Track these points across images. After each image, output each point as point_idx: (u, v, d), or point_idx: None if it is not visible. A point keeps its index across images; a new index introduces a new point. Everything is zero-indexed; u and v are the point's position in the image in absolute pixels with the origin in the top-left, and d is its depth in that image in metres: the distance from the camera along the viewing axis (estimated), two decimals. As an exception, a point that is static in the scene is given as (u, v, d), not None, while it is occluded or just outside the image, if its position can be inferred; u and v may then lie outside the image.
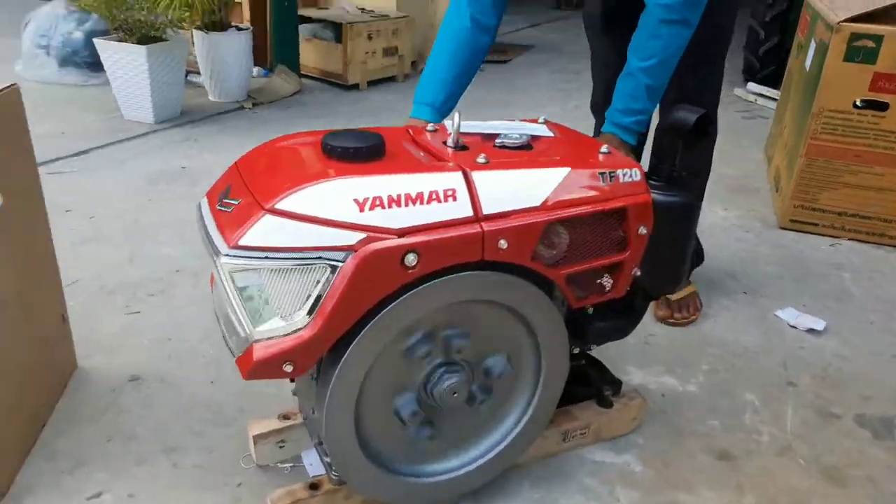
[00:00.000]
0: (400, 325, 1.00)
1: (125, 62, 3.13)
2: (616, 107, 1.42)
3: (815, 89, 2.34)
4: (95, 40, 3.22)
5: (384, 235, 0.93)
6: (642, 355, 1.72)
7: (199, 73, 3.78)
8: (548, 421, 1.26)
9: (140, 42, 3.11)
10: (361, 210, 0.92)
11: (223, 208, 0.99)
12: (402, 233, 0.94)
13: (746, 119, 3.96)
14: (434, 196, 0.97)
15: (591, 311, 1.24)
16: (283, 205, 0.92)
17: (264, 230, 0.91)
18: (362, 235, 0.92)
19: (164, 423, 1.42)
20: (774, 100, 3.92)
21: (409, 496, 1.17)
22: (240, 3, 4.06)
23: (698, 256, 1.99)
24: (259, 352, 0.94)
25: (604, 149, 1.16)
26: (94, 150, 2.95)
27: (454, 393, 1.10)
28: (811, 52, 2.59)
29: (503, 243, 1.01)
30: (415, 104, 1.44)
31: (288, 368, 0.95)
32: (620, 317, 1.28)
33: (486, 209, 1.00)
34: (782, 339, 1.82)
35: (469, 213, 0.99)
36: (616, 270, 1.16)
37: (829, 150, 2.36)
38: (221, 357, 1.62)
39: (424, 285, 0.98)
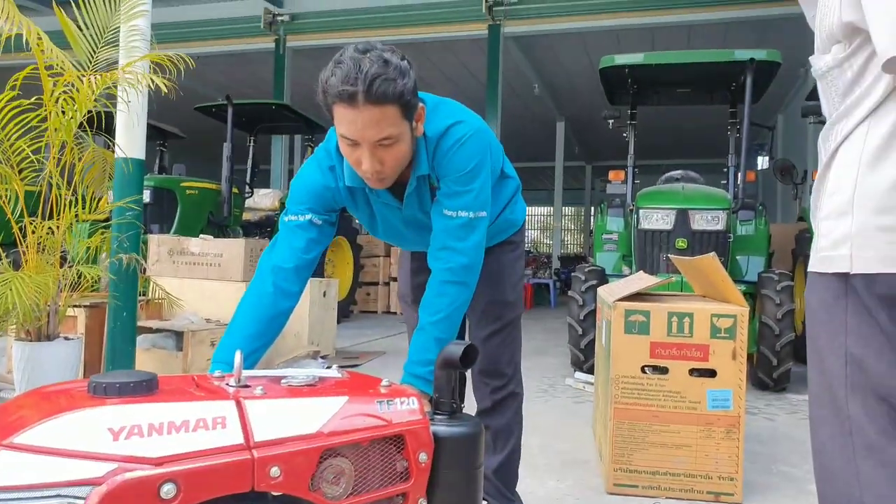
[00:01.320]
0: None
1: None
2: (412, 358, 1.56)
3: (610, 360, 2.64)
4: None
5: (138, 465, 0.90)
6: None
7: (12, 386, 3.55)
8: None
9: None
10: (115, 439, 0.91)
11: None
12: (159, 462, 0.92)
13: (577, 403, 4.25)
14: (201, 424, 0.99)
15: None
16: (21, 438, 0.88)
17: (-4, 467, 0.86)
18: (112, 466, 0.88)
19: None
20: (596, 384, 4.30)
21: None
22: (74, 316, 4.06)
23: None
24: None
25: (385, 382, 1.26)
26: None
27: None
28: (604, 331, 2.97)
29: (276, 471, 1.01)
30: (212, 363, 1.49)
31: None
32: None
33: (258, 436, 1.02)
34: None
35: (239, 440, 1.00)
36: (403, 501, 1.17)
37: (631, 412, 2.58)
38: None
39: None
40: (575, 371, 5.00)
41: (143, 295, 4.42)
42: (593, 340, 4.77)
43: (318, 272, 6.66)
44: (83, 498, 0.86)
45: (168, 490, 0.91)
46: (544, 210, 25.63)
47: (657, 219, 4.73)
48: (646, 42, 10.05)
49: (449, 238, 1.61)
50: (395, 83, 1.39)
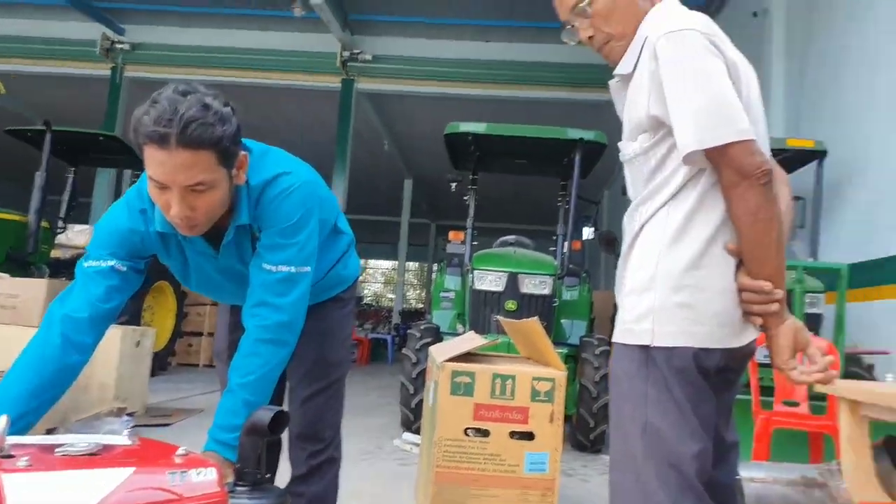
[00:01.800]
0: None
1: None
2: (217, 423, 1.45)
3: (436, 421, 2.65)
4: None
5: None
6: None
7: None
8: None
9: None
10: None
11: None
12: None
13: (403, 466, 4.20)
14: (-59, 504, 0.84)
15: None
16: None
17: None
18: None
19: None
20: (425, 444, 4.29)
21: None
22: None
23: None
24: None
25: (181, 451, 1.15)
26: None
27: None
28: (431, 391, 2.98)
29: (33, 558, 0.88)
30: (-23, 423, 1.30)
31: None
32: None
33: (16, 516, 0.89)
34: None
35: (-11, 522, 0.87)
36: (189, 585, 1.06)
37: (452, 476, 2.58)
38: None
39: None
40: (403, 432, 4.96)
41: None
42: (420, 401, 4.79)
43: (135, 320, 6.15)
44: None
45: None
46: (388, 264, 25.83)
47: (490, 280, 4.92)
48: (491, 111, 10.61)
49: (267, 293, 1.54)
50: (213, 128, 1.34)
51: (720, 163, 1.21)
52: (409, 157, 13.75)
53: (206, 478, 1.12)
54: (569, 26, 1.43)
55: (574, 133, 5.25)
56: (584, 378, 4.65)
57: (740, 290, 1.24)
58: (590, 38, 1.42)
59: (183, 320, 7.82)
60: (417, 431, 4.78)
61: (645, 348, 1.25)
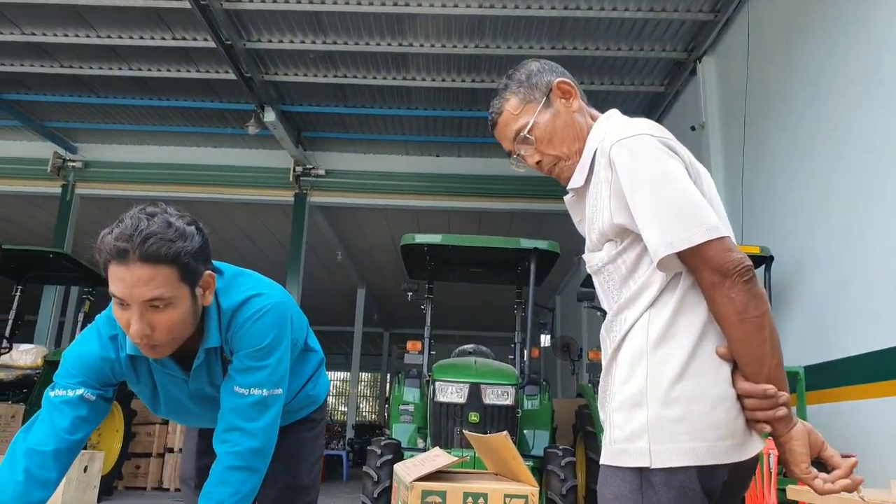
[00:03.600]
0: None
1: None
2: (187, 561, 1.37)
3: (405, 545, 2.53)
4: None
5: None
6: None
7: None
8: None
9: None
10: None
11: None
12: None
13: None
14: None
15: None
16: None
17: None
18: None
19: None
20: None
21: None
22: None
23: None
24: None
25: None
26: None
27: None
28: (399, 513, 2.87)
29: None
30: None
31: None
32: None
33: None
34: None
35: None
36: None
37: None
38: None
39: None
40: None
41: None
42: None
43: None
44: None
45: None
46: (341, 375, 25.26)
47: (452, 392, 4.86)
48: (443, 222, 10.88)
49: (238, 418, 1.51)
50: (173, 244, 1.37)
51: (697, 265, 1.16)
52: (362, 266, 13.82)
53: None
54: (515, 155, 1.43)
55: (528, 243, 5.40)
56: (550, 491, 4.55)
57: (741, 396, 1.15)
58: (538, 163, 1.42)
59: (131, 440, 7.41)
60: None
61: (639, 470, 1.13)
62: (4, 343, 7.00)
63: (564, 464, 4.59)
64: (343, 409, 23.78)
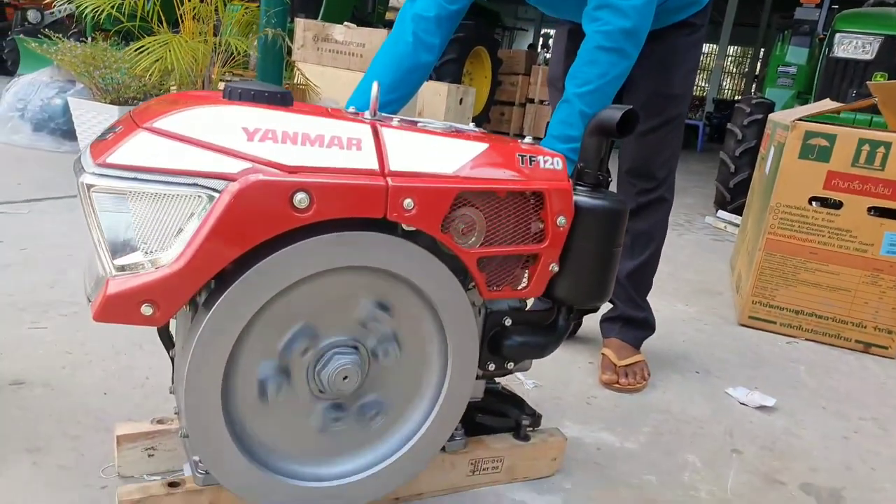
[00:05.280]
0: (286, 278, 0.90)
1: (96, 121, 3.17)
2: (551, 133, 1.40)
3: (773, 187, 2.37)
4: (69, 97, 3.28)
5: (272, 169, 0.85)
6: (581, 412, 1.59)
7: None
8: (454, 423, 1.11)
9: (113, 103, 3.17)
10: (250, 139, 0.85)
11: (101, 138, 0.92)
12: (293, 170, 0.86)
13: (715, 241, 4.00)
14: (336, 141, 0.91)
15: (508, 322, 1.16)
16: (161, 123, 0.85)
17: (136, 148, 0.83)
18: (246, 165, 0.84)
19: (36, 425, 1.26)
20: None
21: (289, 501, 1.01)
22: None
23: (649, 327, 1.90)
24: (113, 286, 0.81)
25: (528, 138, 1.13)
26: (46, 200, 2.91)
27: (345, 378, 0.98)
28: (770, 157, 2.65)
29: (409, 203, 0.93)
30: (346, 105, 1.42)
31: (147, 311, 0.82)
32: (540, 333, 1.19)
33: (394, 165, 0.94)
34: (730, 412, 1.70)
35: (374, 165, 0.93)
36: (533, 264, 1.09)
37: (785, 245, 2.34)
38: (124, 373, 1.49)
39: (319, 236, 0.90)
40: (717, 210, 4.67)
41: (287, 81, 4.47)
42: (745, 181, 4.39)
43: (456, 82, 6.44)
44: (219, 191, 0.82)
45: (301, 199, 0.86)
46: (705, 48, 23.27)
47: (856, 46, 4.04)
48: None
49: None
50: None
51: None
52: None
53: (553, 166, 1.09)
54: None
55: None
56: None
57: None
58: None
59: (497, 88, 8.04)
60: (734, 212, 4.47)
61: None
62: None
63: None
64: (702, 84, 22.37)
